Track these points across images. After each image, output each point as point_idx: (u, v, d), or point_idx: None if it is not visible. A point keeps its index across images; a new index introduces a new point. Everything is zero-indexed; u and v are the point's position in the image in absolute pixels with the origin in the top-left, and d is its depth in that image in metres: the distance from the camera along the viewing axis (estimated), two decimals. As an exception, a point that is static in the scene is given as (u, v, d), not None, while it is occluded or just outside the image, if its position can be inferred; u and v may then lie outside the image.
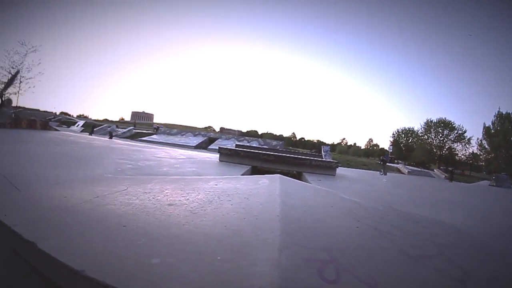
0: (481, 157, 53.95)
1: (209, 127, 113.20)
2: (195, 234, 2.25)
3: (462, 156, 59.37)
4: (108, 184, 4.25)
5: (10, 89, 30.34)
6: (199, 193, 3.58)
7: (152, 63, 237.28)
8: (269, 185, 3.99)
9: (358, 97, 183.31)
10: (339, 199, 4.46)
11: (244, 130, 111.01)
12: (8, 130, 16.75)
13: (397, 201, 8.80)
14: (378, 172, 24.50)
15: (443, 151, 59.26)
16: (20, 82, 31.22)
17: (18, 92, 31.32)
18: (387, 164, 28.79)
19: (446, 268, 2.61)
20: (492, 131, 50.72)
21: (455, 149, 59.25)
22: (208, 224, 2.48)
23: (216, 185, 4.11)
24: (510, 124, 48.59)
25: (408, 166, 38.70)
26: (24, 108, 39.56)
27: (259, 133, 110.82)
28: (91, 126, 36.67)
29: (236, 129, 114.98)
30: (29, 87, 31.79)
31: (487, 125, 52.13)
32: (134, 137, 35.39)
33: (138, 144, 18.63)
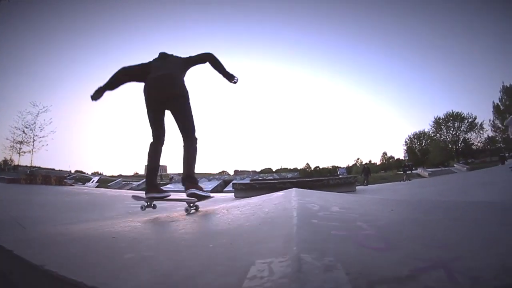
0: (497, 138, 52.97)
1: (223, 171, 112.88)
2: (188, 234, 1.95)
3: (479, 144, 58.05)
4: (115, 219, 4.03)
5: (24, 147, 31.44)
6: (207, 211, 3.28)
7: None
8: (284, 194, 3.61)
9: (363, 112, 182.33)
10: (363, 197, 4.16)
11: (258, 170, 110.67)
12: (23, 185, 16.51)
13: (423, 197, 8.39)
14: (399, 181, 23.97)
15: (459, 145, 57.87)
16: (34, 140, 31.71)
17: (32, 150, 31.78)
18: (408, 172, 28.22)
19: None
20: (502, 107, 49.93)
21: (470, 138, 58.11)
22: (207, 226, 2.23)
23: (226, 205, 3.81)
24: None
25: (427, 169, 37.80)
26: (39, 167, 39.51)
27: (274, 170, 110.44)
28: (106, 182, 36.58)
29: (250, 170, 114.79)
30: (43, 145, 32.15)
31: (496, 103, 51.69)
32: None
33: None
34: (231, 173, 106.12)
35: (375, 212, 2.50)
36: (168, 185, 37.76)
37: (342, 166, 74.28)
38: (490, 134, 54.87)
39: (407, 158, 61.37)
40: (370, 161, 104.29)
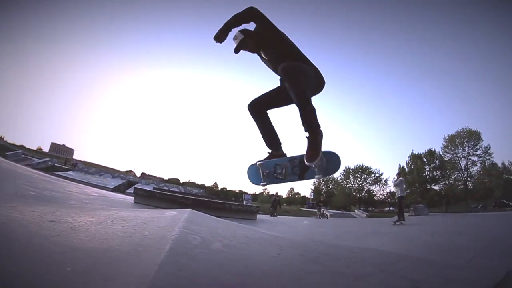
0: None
1: (130, 171, 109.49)
2: (58, 245, 1.72)
3: (381, 196, 66.08)
4: None
5: None
6: (93, 217, 2.97)
7: (79, 96, 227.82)
8: (176, 215, 3.39)
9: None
10: (256, 231, 4.08)
11: (166, 178, 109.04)
12: None
13: (321, 237, 8.82)
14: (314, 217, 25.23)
15: (362, 194, 66.03)
16: None
17: None
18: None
19: (393, 280, 2.38)
20: (407, 170, 59.93)
21: (374, 190, 66.79)
22: (82, 239, 1.95)
23: (116, 213, 3.54)
24: (421, 162, 58.30)
25: (330, 210, 40.15)
26: None
27: (181, 181, 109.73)
28: (4, 150, 33.16)
29: (158, 176, 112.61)
30: None
31: (402, 165, 61.97)
32: (48, 169, 31.81)
33: (50, 175, 16.71)
34: (138, 174, 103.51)
35: (258, 255, 2.49)
36: (70, 172, 35.28)
37: (249, 193, 76.52)
38: (393, 190, 62.15)
39: (312, 197, 67.04)
40: (277, 193, 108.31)
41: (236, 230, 3.66)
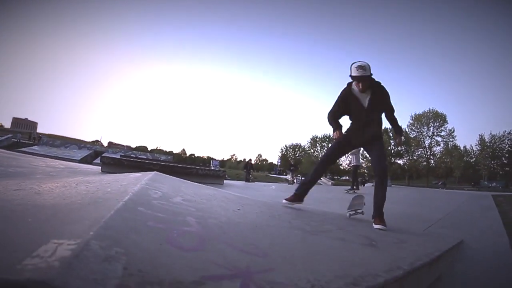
0: (363, 165, 61.94)
1: (97, 141, 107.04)
2: (21, 206, 1.81)
3: (346, 166, 68.10)
4: None
5: None
6: (58, 183, 2.98)
7: (38, 65, 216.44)
8: (140, 176, 3.45)
9: (247, 113, 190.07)
10: (220, 191, 4.25)
11: (133, 146, 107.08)
12: None
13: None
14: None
15: None
16: None
17: None
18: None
19: (349, 237, 2.57)
20: None
21: (340, 160, 67.64)
22: (45, 199, 2.05)
23: (82, 178, 3.60)
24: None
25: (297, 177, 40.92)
26: None
27: (149, 149, 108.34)
28: None
29: (125, 144, 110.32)
30: None
31: None
32: (12, 147, 31.08)
33: (13, 152, 16.15)
34: (105, 144, 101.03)
35: (218, 209, 2.58)
36: (34, 147, 34.19)
37: (216, 159, 76.94)
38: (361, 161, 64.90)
39: (279, 163, 67.73)
40: (244, 159, 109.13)
41: (200, 189, 3.77)
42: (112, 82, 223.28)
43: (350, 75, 3.68)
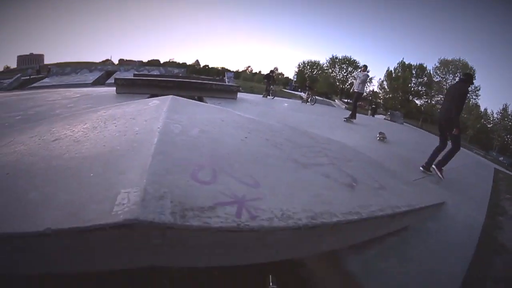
0: (379, 95, 63.29)
1: (107, 60, 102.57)
2: (74, 159, 2.19)
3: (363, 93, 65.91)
4: None
5: None
6: (86, 123, 3.35)
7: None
8: (159, 104, 3.84)
9: (264, 25, 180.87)
10: (232, 114, 4.56)
11: (145, 60, 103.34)
12: None
13: (295, 122, 9.13)
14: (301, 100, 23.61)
15: (345, 85, 66.47)
16: None
17: None
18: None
19: (335, 175, 2.93)
20: (393, 75, 60.66)
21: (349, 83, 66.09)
22: (88, 148, 2.41)
23: (104, 112, 3.88)
24: (410, 73, 58.04)
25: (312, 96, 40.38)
26: None
27: (161, 62, 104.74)
28: None
29: (136, 59, 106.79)
30: None
31: (390, 69, 62.27)
32: (23, 85, 30.74)
33: (27, 92, 16.39)
34: (116, 62, 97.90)
35: (228, 139, 3.01)
36: (45, 79, 33.92)
37: (231, 70, 74.85)
38: (375, 89, 64.54)
39: (295, 79, 65.91)
40: (259, 72, 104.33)
41: (213, 114, 4.12)
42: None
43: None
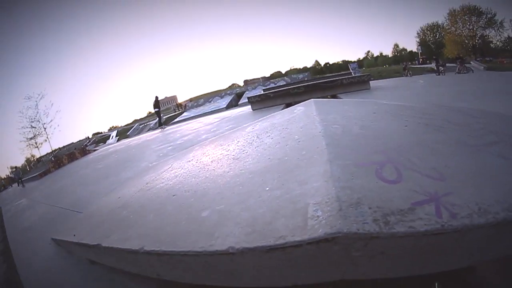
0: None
1: (233, 84, 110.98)
2: (240, 176, 2.23)
3: (498, 43, 54.88)
4: (154, 170, 4.39)
5: (39, 139, 33.38)
6: (239, 141, 3.47)
7: (158, 55, 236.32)
8: (305, 109, 3.75)
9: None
10: (380, 105, 4.28)
11: (267, 75, 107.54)
12: (53, 173, 16.51)
13: (440, 99, 8.29)
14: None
15: (476, 41, 54.50)
16: (45, 128, 33.44)
17: (47, 138, 33.67)
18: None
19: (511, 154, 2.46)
20: None
21: (488, 36, 54.69)
22: (252, 163, 2.44)
23: (253, 128, 3.99)
24: None
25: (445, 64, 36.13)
26: (59, 148, 40.59)
27: (283, 72, 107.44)
28: (124, 132, 37.20)
29: (259, 76, 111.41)
30: (54, 128, 34.15)
31: None
32: (166, 123, 34.36)
33: (171, 127, 18.57)
34: (241, 84, 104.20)
35: (390, 132, 2.76)
36: (184, 113, 37.53)
37: (353, 61, 71.44)
38: (511, 34, 52.07)
39: (420, 51, 59.04)
40: (381, 54, 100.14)
41: (362, 108, 3.92)
42: (226, 23, 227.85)
43: None
